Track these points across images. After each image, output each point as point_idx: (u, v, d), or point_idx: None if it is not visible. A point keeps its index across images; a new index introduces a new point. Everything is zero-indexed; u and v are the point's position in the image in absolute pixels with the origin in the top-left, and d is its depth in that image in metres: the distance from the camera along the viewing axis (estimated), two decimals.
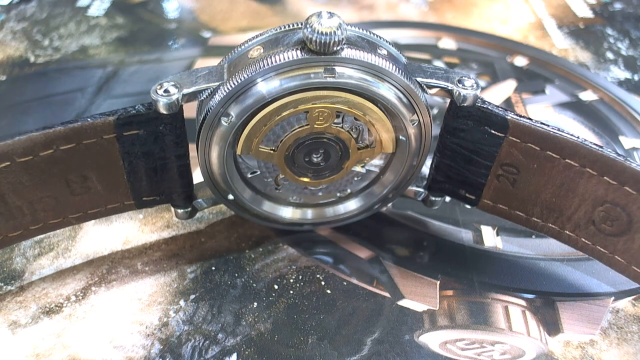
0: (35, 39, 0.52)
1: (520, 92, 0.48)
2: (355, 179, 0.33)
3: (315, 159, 0.30)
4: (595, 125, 0.45)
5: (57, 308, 0.31)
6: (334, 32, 0.25)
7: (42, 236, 0.34)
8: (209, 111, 0.27)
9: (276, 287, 0.32)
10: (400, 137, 0.30)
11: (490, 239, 0.35)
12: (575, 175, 0.28)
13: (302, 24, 0.26)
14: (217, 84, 0.27)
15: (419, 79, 0.28)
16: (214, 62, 0.29)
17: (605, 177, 0.28)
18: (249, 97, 0.27)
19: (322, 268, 0.33)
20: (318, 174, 0.31)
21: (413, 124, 0.29)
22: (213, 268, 0.33)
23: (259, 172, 0.31)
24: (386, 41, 0.29)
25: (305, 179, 0.31)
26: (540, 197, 0.30)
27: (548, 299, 0.32)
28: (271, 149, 0.29)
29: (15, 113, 0.43)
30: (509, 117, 0.28)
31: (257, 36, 0.28)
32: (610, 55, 0.53)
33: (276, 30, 0.28)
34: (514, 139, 0.29)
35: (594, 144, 0.27)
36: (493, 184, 0.31)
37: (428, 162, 0.33)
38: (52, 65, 0.49)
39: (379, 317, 0.31)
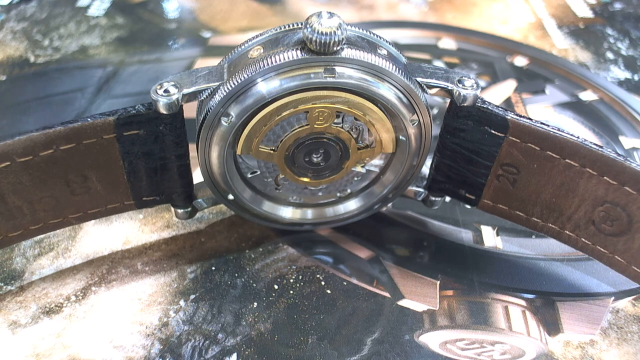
0: (35, 39, 0.52)
1: (520, 92, 0.48)
2: (355, 179, 0.33)
3: (315, 159, 0.30)
4: (595, 125, 0.45)
5: (57, 308, 0.31)
6: (334, 32, 0.25)
7: (42, 236, 0.34)
8: (209, 111, 0.27)
9: (276, 287, 0.32)
10: (400, 137, 0.30)
11: (490, 239, 0.35)
12: (575, 175, 0.28)
13: (302, 24, 0.26)
14: (217, 84, 0.27)
15: (419, 79, 0.28)
16: (214, 62, 0.29)
17: (605, 177, 0.28)
18: (249, 97, 0.27)
19: (322, 268, 0.33)
20: (318, 174, 0.31)
21: (413, 124, 0.29)
22: (213, 268, 0.33)
23: (259, 172, 0.31)
24: (386, 41, 0.29)
25: (305, 179, 0.31)
26: (540, 197, 0.30)
27: (548, 299, 0.32)
28: (271, 149, 0.29)
29: (15, 113, 0.43)
30: (509, 117, 0.28)
31: (257, 36, 0.28)
32: (610, 55, 0.53)
33: (276, 30, 0.28)
34: (514, 139, 0.29)
35: (594, 144, 0.27)
36: (493, 184, 0.31)
37: (428, 162, 0.33)
38: (52, 65, 0.49)
39: (379, 317, 0.31)
